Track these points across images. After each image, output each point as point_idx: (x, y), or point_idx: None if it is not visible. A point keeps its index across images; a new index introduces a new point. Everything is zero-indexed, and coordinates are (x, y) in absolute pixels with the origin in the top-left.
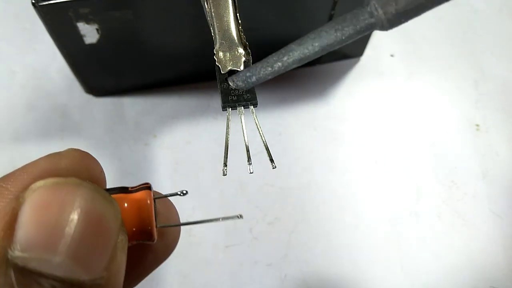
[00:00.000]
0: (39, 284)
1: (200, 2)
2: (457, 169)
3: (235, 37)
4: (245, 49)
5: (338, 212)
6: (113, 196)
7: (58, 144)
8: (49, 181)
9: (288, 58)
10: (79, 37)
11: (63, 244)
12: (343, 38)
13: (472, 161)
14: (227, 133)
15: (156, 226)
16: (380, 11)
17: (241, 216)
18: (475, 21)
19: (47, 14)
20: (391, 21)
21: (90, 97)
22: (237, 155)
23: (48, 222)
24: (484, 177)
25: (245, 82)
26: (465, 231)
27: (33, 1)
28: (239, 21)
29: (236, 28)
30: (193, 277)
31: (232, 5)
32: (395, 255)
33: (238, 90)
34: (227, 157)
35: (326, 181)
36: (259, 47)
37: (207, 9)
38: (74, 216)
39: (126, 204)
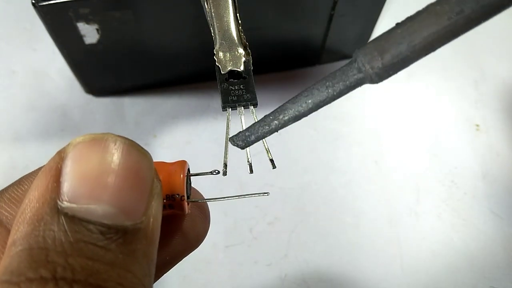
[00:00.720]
0: (89, 230)
1: (200, 2)
2: (457, 169)
3: (235, 37)
4: (245, 49)
5: (338, 212)
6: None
7: (58, 144)
8: (88, 136)
9: (284, 116)
10: (79, 37)
11: (106, 195)
12: (335, 94)
13: (472, 161)
14: (227, 133)
15: (188, 199)
16: (367, 66)
17: (267, 194)
18: None
19: (47, 14)
20: (379, 75)
21: (90, 97)
22: (237, 155)
23: (90, 174)
24: (484, 177)
25: (245, 141)
26: (465, 231)
27: (33, 1)
28: (239, 21)
29: (236, 28)
30: (193, 277)
31: (232, 5)
32: (395, 255)
33: (238, 90)
34: (227, 157)
35: (326, 181)
36: (259, 47)
37: (207, 9)
38: (114, 168)
39: (162, 175)
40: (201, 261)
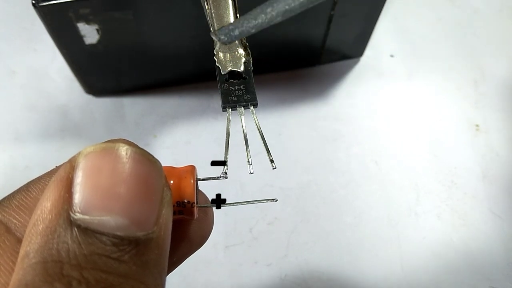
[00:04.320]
0: (102, 242)
1: (200, 2)
2: (457, 169)
3: None
4: (245, 49)
5: (338, 212)
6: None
7: (58, 144)
8: (99, 146)
9: (272, 10)
10: (79, 37)
11: (119, 206)
12: None
13: (472, 161)
14: (227, 134)
15: (196, 203)
16: None
17: (275, 200)
18: (475, 21)
19: (47, 15)
20: None
21: (90, 97)
22: (237, 156)
23: (102, 186)
24: (484, 177)
25: (228, 35)
26: (465, 231)
27: (33, 2)
28: None
29: None
30: (193, 277)
31: (232, 6)
32: (395, 255)
33: (238, 90)
34: (227, 158)
35: (326, 181)
36: (259, 47)
37: (207, 10)
38: (125, 178)
39: (172, 180)
40: (201, 261)
